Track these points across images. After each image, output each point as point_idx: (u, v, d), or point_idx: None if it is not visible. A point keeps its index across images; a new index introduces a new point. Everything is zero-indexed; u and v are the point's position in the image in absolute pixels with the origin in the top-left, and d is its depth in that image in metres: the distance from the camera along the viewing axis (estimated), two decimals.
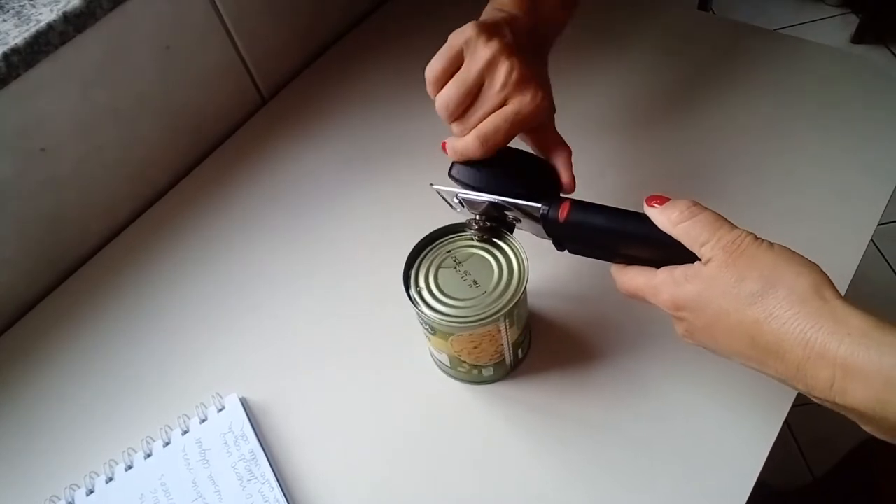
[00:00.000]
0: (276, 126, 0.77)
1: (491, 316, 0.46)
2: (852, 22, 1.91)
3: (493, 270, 0.48)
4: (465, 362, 0.51)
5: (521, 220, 0.48)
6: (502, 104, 0.46)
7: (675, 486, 0.48)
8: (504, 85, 0.45)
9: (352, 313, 0.60)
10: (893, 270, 1.46)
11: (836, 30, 1.93)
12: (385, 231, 0.65)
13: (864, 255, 0.57)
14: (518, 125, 0.46)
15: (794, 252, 0.37)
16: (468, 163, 0.48)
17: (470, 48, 0.46)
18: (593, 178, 0.56)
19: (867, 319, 0.34)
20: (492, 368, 0.52)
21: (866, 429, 0.35)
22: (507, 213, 0.48)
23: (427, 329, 0.49)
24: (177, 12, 0.67)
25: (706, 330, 0.39)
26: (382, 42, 0.85)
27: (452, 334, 0.47)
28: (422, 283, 0.48)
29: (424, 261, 0.49)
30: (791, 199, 0.62)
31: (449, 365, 0.52)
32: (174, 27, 0.67)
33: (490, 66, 0.45)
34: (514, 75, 0.45)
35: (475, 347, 0.49)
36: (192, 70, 0.71)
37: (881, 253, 1.48)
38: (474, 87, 0.46)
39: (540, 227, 0.47)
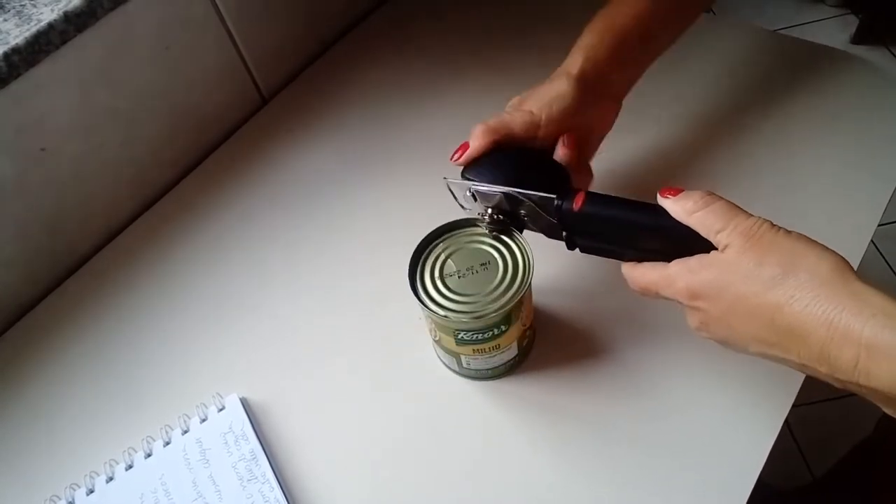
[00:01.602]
0: (277, 126, 0.77)
1: (524, 277, 0.47)
2: (852, 22, 1.91)
3: (497, 262, 0.49)
4: (528, 329, 0.51)
5: (533, 218, 0.48)
6: None
7: (676, 485, 0.48)
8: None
9: (352, 313, 0.60)
10: (893, 271, 1.46)
11: (835, 30, 1.93)
12: (385, 231, 0.65)
13: (864, 255, 0.57)
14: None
15: (811, 239, 0.37)
16: (482, 160, 0.49)
17: None
18: (596, 176, 0.56)
19: (889, 299, 0.34)
20: (523, 346, 0.53)
21: (889, 410, 0.35)
22: (521, 210, 0.48)
23: (489, 335, 0.48)
24: (177, 12, 0.67)
25: (722, 318, 0.39)
26: (383, 42, 0.85)
27: (520, 308, 0.48)
28: (435, 295, 0.48)
29: (426, 269, 0.49)
30: (790, 200, 0.62)
31: (517, 353, 0.52)
32: (174, 27, 0.67)
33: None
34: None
35: (529, 305, 0.50)
36: (193, 70, 0.71)
37: (881, 254, 1.48)
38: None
39: (552, 225, 0.47)
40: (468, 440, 0.52)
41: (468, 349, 0.50)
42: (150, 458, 0.53)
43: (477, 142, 0.49)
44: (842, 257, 0.36)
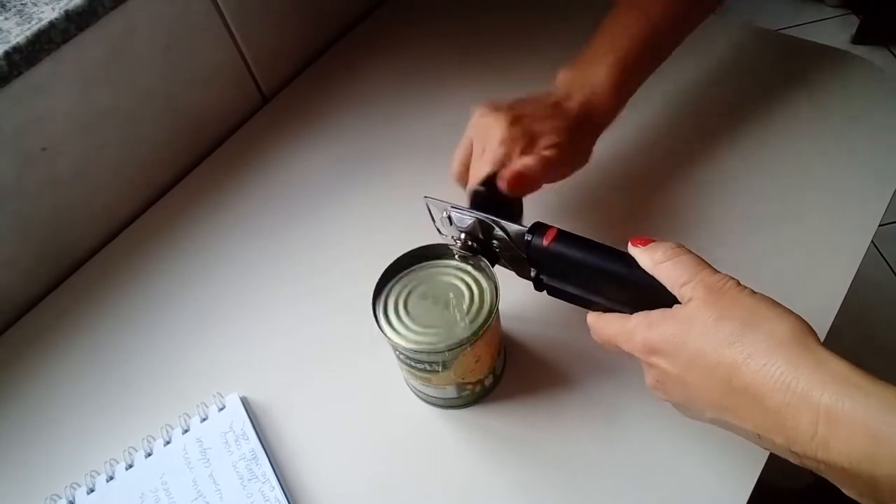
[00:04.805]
0: (277, 125, 0.78)
1: (489, 315, 0.46)
2: (852, 22, 1.91)
3: (462, 291, 0.48)
4: (468, 384, 0.50)
5: (504, 251, 0.48)
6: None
7: (675, 488, 0.48)
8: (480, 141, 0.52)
9: (352, 313, 0.60)
10: (894, 272, 1.46)
11: (836, 30, 1.93)
12: (386, 232, 0.65)
13: (864, 256, 0.57)
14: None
15: (775, 301, 0.36)
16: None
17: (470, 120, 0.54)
18: (589, 174, 0.56)
19: (849, 366, 0.32)
20: (491, 377, 0.52)
21: (850, 492, 0.33)
22: (493, 241, 0.48)
23: (433, 368, 0.48)
24: (178, 11, 0.67)
25: (679, 378, 0.37)
26: (383, 41, 0.85)
27: (456, 359, 0.47)
28: (398, 326, 0.47)
29: (389, 303, 0.48)
30: (791, 200, 0.62)
31: (457, 396, 0.51)
32: (175, 26, 0.67)
33: (474, 127, 0.53)
34: (478, 125, 0.52)
35: (476, 361, 0.49)
36: (194, 69, 0.71)
37: (881, 254, 1.48)
38: (466, 149, 0.54)
39: (522, 262, 0.47)
40: (466, 438, 0.52)
41: (403, 365, 0.49)
42: (151, 457, 0.53)
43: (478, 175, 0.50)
44: (804, 321, 0.35)
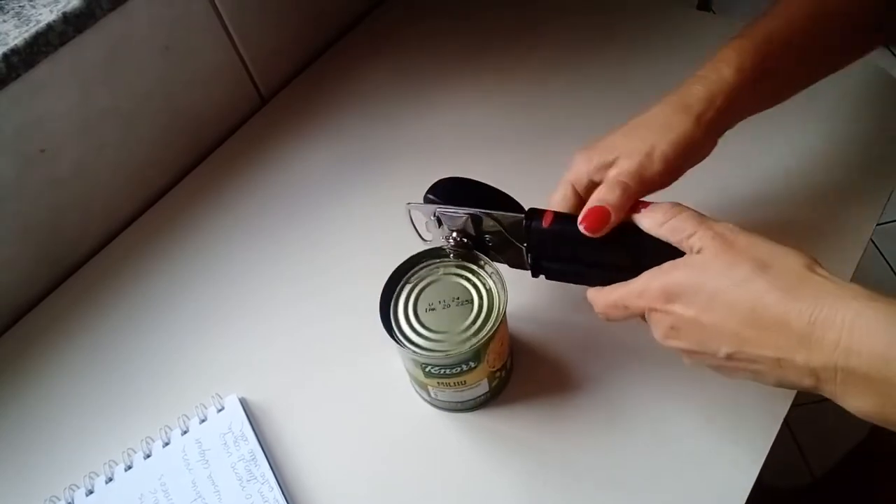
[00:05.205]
0: (276, 127, 0.77)
1: (496, 318, 0.46)
2: None
3: (462, 285, 0.48)
4: (497, 371, 0.50)
5: (497, 243, 0.48)
6: None
7: (679, 490, 0.47)
8: None
9: (352, 314, 0.60)
10: (893, 270, 1.46)
11: None
12: (386, 232, 0.65)
13: (863, 254, 0.57)
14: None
15: (778, 243, 0.38)
16: (446, 185, 0.49)
17: None
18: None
19: (866, 287, 0.34)
20: (509, 358, 0.52)
21: (863, 403, 0.34)
22: (485, 235, 0.48)
23: (468, 366, 0.47)
24: (176, 13, 0.67)
25: (694, 320, 0.38)
26: (382, 42, 0.85)
27: (488, 346, 0.46)
28: (406, 328, 0.47)
29: (400, 300, 0.48)
30: (790, 198, 0.62)
31: (488, 390, 0.51)
32: (174, 27, 0.67)
33: None
34: None
35: (502, 344, 0.49)
36: (192, 70, 0.71)
37: (880, 252, 1.48)
38: None
39: (516, 251, 0.47)
40: (466, 439, 0.52)
41: (434, 381, 0.49)
42: (150, 458, 0.53)
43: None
44: (811, 256, 0.37)
